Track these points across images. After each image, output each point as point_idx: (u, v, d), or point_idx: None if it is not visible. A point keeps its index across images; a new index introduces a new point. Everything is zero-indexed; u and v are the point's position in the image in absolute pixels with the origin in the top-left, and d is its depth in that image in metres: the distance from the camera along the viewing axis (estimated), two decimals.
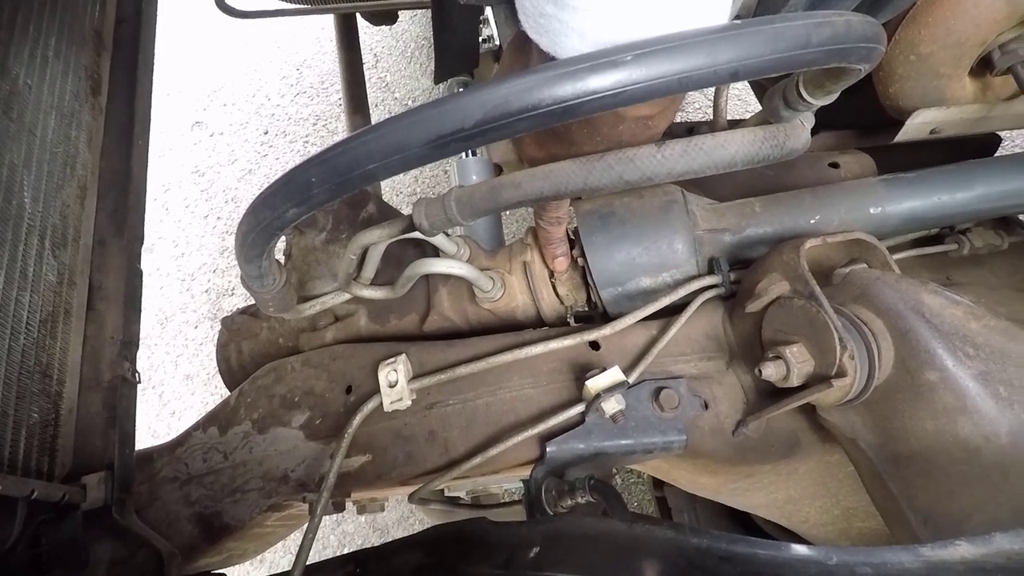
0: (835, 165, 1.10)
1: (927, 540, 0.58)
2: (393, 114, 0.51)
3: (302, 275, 1.00)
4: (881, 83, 1.03)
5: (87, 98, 0.85)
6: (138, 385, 0.88)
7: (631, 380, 0.81)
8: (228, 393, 0.98)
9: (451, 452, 0.83)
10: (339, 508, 0.91)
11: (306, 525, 0.77)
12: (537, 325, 0.99)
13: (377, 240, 0.80)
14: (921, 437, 0.68)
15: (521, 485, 1.17)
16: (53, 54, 0.83)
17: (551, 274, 0.96)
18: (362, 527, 2.25)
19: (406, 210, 0.77)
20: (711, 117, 1.06)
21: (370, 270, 0.92)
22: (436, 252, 0.94)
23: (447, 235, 0.91)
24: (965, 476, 0.65)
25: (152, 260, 2.79)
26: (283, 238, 1.03)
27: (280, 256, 1.04)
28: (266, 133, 3.10)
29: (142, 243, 0.90)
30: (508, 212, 2.77)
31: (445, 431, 0.85)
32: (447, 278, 0.98)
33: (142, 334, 2.60)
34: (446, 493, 1.17)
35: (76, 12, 0.87)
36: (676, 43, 0.46)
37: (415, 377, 0.85)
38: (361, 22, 2.02)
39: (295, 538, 2.18)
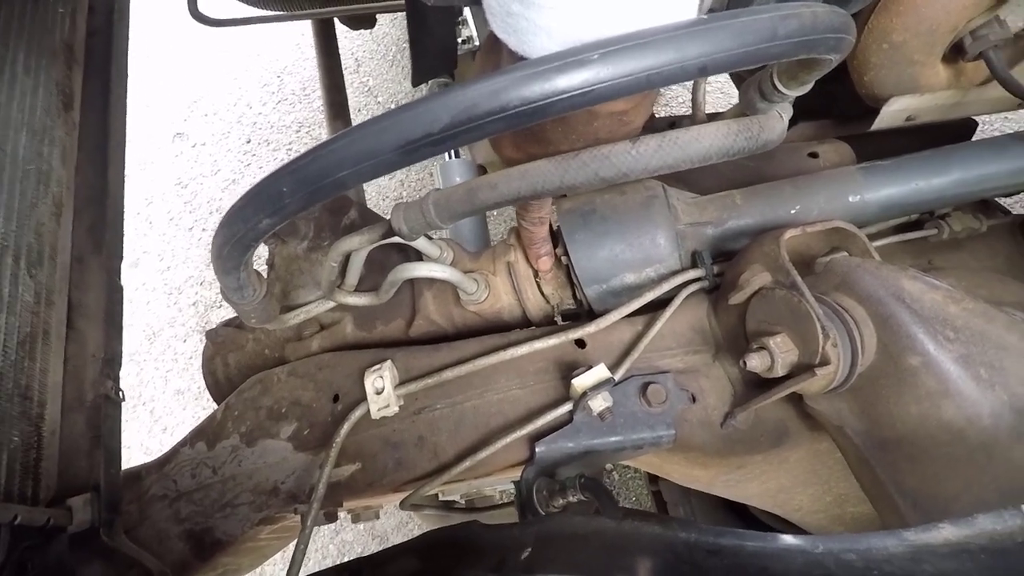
0: (814, 155, 1.11)
1: (916, 523, 0.59)
2: None
3: (285, 284, 1.00)
4: (856, 72, 1.04)
5: (59, 113, 0.84)
6: (125, 402, 0.87)
7: (617, 376, 0.81)
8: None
9: (441, 457, 0.83)
10: (331, 518, 0.91)
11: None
12: (524, 325, 0.99)
13: (357, 247, 0.80)
14: (906, 421, 0.69)
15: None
16: (23, 70, 0.82)
17: (535, 274, 0.96)
18: (361, 535, 2.24)
19: (390, 215, 0.76)
20: None
21: (353, 277, 0.92)
22: (420, 256, 0.94)
23: (430, 238, 0.91)
24: (950, 458, 0.65)
25: (137, 275, 2.77)
26: (265, 247, 1.03)
27: (263, 266, 1.03)
28: (248, 142, 3.09)
29: (121, 258, 0.89)
30: (496, 212, 2.76)
31: (434, 436, 0.84)
32: (432, 282, 0.98)
33: (130, 350, 2.57)
34: (440, 497, 1.16)
35: (46, 26, 0.86)
36: (643, 40, 0.46)
37: (402, 383, 0.84)
38: (341, 27, 2.01)
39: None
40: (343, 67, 1.95)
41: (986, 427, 0.64)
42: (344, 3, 1.75)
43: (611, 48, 0.46)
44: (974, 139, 1.18)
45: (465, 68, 1.76)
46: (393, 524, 2.23)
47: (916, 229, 1.04)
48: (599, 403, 0.77)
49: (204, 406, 2.44)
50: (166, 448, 0.94)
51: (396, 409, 0.82)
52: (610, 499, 0.74)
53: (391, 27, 3.34)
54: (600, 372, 0.79)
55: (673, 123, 1.35)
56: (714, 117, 0.99)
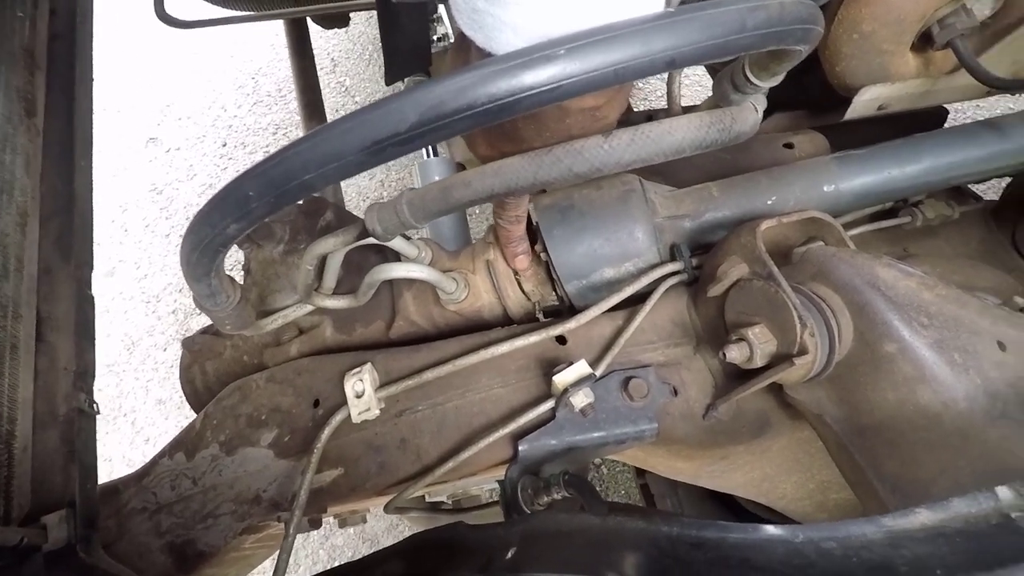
0: (789, 145, 1.11)
1: (895, 507, 0.59)
2: None
3: (262, 289, 0.98)
4: (828, 62, 1.05)
5: (21, 120, 0.82)
6: (104, 415, 0.85)
7: (599, 372, 0.81)
8: None
9: (424, 459, 0.83)
10: (316, 525, 0.90)
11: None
12: (506, 323, 0.99)
13: (332, 249, 0.79)
14: (884, 408, 0.70)
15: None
16: None
17: (515, 271, 0.96)
18: (352, 539, 2.23)
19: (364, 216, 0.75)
20: None
21: (331, 279, 0.91)
22: (398, 257, 0.93)
23: (407, 238, 0.90)
24: (927, 442, 0.66)
25: (114, 284, 2.72)
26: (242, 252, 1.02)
27: (239, 270, 1.02)
28: (224, 145, 3.05)
29: (92, 268, 0.87)
30: (478, 211, 2.76)
31: (416, 438, 0.84)
32: (411, 282, 0.97)
33: (109, 361, 2.53)
34: (427, 499, 1.16)
35: (4, 31, 0.84)
36: (610, 34, 0.46)
37: (382, 385, 0.83)
38: (315, 27, 1.99)
39: (296, 556, 2.16)
40: (319, 67, 1.93)
41: (961, 411, 0.64)
42: (315, 2, 1.73)
43: (577, 43, 0.45)
44: (945, 127, 1.20)
45: (440, 66, 1.75)
46: (383, 527, 2.22)
47: (890, 217, 1.05)
48: (581, 399, 0.77)
49: (187, 415, 2.41)
50: (149, 459, 0.92)
51: (377, 412, 0.82)
52: (594, 495, 0.74)
53: (366, 26, 3.31)
54: (581, 368, 0.79)
55: (650, 116, 1.35)
56: (690, 110, 1.00)
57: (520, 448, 0.80)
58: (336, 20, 1.89)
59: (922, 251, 1.09)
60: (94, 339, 0.85)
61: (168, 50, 3.33)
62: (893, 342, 0.68)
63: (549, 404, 0.81)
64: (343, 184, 2.41)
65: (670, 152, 0.62)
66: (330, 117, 1.87)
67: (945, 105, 1.22)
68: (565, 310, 0.99)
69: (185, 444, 0.90)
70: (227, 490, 0.86)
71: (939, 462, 0.65)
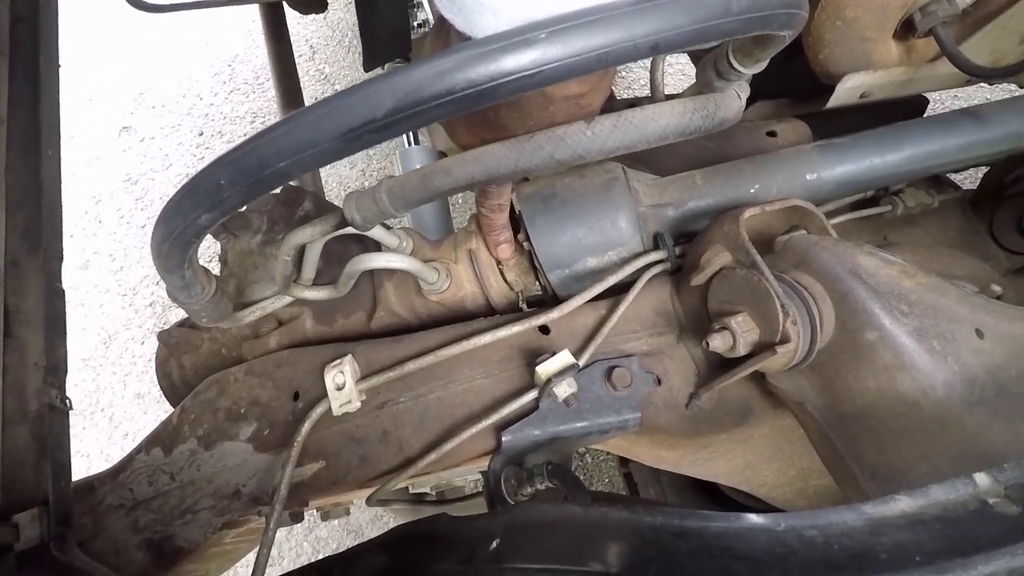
0: (772, 134, 1.12)
1: (875, 494, 0.60)
2: None
3: (240, 280, 0.97)
4: (811, 49, 1.04)
5: None
6: (80, 410, 0.83)
7: (582, 361, 0.81)
8: None
9: (406, 451, 0.82)
10: (297, 519, 0.89)
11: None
12: (489, 313, 0.98)
13: (310, 239, 0.77)
14: (864, 395, 0.70)
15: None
16: None
17: (498, 261, 0.95)
18: (336, 531, 2.22)
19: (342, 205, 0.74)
20: None
21: (310, 270, 0.89)
22: (379, 247, 0.92)
23: (388, 228, 0.89)
24: (907, 429, 0.67)
25: (88, 277, 2.67)
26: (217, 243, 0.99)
27: (217, 263, 1.00)
28: (201, 134, 2.99)
29: (62, 260, 0.85)
30: (461, 199, 2.74)
31: (398, 430, 0.83)
32: (392, 272, 0.96)
33: (85, 355, 2.49)
34: (410, 491, 1.15)
35: None
36: (592, 18, 0.45)
37: (363, 377, 0.82)
38: (292, 13, 1.95)
39: (279, 549, 2.15)
40: (297, 54, 1.90)
41: (939, 398, 0.65)
42: None
43: (559, 26, 0.44)
44: (925, 116, 1.21)
45: (420, 51, 1.73)
46: (368, 518, 2.21)
47: (871, 206, 1.06)
48: (564, 389, 0.77)
49: (166, 409, 2.35)
50: (125, 455, 0.91)
51: (358, 404, 0.81)
52: (578, 485, 0.73)
53: (345, 12, 3.26)
54: (564, 358, 0.78)
55: (633, 104, 1.34)
56: (673, 98, 0.99)
57: (503, 439, 0.80)
58: (313, 5, 1.85)
59: (902, 239, 1.10)
60: (65, 333, 0.83)
61: (140, 36, 3.25)
62: (874, 330, 0.68)
63: (532, 394, 0.80)
64: (323, 173, 2.38)
65: (653, 139, 0.62)
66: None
67: (925, 94, 1.22)
68: (548, 300, 0.98)
69: (162, 439, 0.89)
70: (206, 485, 0.85)
71: (918, 449, 0.66)
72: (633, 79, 2.95)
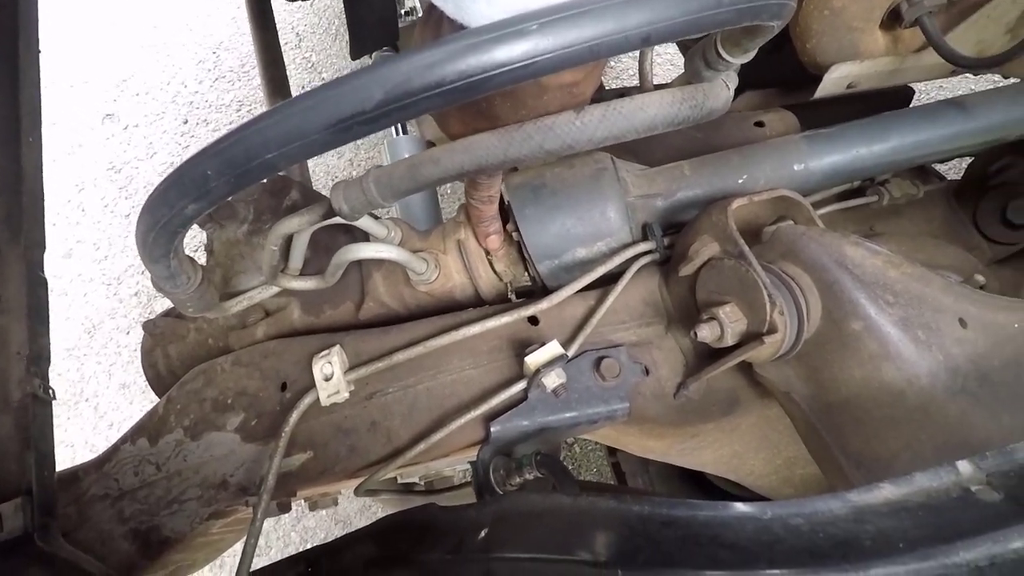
0: (760, 124, 1.12)
1: (860, 483, 0.61)
2: None
3: (226, 270, 0.96)
4: (798, 39, 1.05)
5: None
6: (63, 400, 0.82)
7: (571, 352, 0.81)
8: None
9: (395, 441, 0.82)
10: (285, 509, 0.88)
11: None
12: (478, 304, 0.98)
13: (297, 228, 0.77)
14: (850, 385, 0.71)
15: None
16: None
17: (487, 251, 0.95)
18: (324, 520, 2.22)
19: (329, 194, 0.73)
20: None
21: (297, 260, 0.88)
22: (367, 237, 0.91)
23: (376, 218, 0.88)
24: (891, 419, 0.67)
25: (72, 266, 2.63)
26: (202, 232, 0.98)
27: (200, 251, 0.99)
28: (186, 122, 2.95)
29: (44, 249, 0.83)
30: (450, 190, 2.73)
31: (387, 420, 0.83)
32: (381, 263, 0.95)
33: (69, 345, 2.46)
34: (399, 481, 1.15)
35: None
36: (584, 9, 0.44)
37: (351, 368, 0.82)
38: (278, 0, 1.92)
39: (267, 539, 2.15)
40: (284, 42, 1.87)
41: (924, 387, 0.66)
42: None
43: (551, 17, 0.44)
44: (911, 106, 1.22)
45: (408, 40, 1.71)
46: (356, 508, 2.21)
47: (858, 196, 1.07)
48: (553, 380, 0.77)
49: (152, 399, 2.34)
50: (110, 445, 0.90)
51: (346, 395, 0.80)
52: (566, 475, 0.74)
53: None
54: (553, 348, 0.79)
55: (623, 94, 1.34)
56: (662, 88, 0.99)
57: (492, 429, 0.80)
58: None
59: (888, 230, 1.11)
60: (48, 322, 0.82)
61: (123, 22, 3.20)
62: (859, 320, 0.69)
63: (521, 385, 0.80)
64: (310, 163, 2.36)
65: (642, 129, 0.62)
66: (296, 93, 1.82)
67: (912, 85, 1.23)
68: (537, 290, 0.98)
69: (148, 429, 0.88)
70: (192, 475, 0.84)
71: (902, 438, 0.67)
72: (622, 69, 2.95)
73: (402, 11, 2.07)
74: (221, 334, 0.98)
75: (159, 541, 0.82)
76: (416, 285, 0.93)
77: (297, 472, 0.82)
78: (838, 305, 0.71)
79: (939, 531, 0.44)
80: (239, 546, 0.81)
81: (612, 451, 1.67)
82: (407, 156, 0.64)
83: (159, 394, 0.99)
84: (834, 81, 1.04)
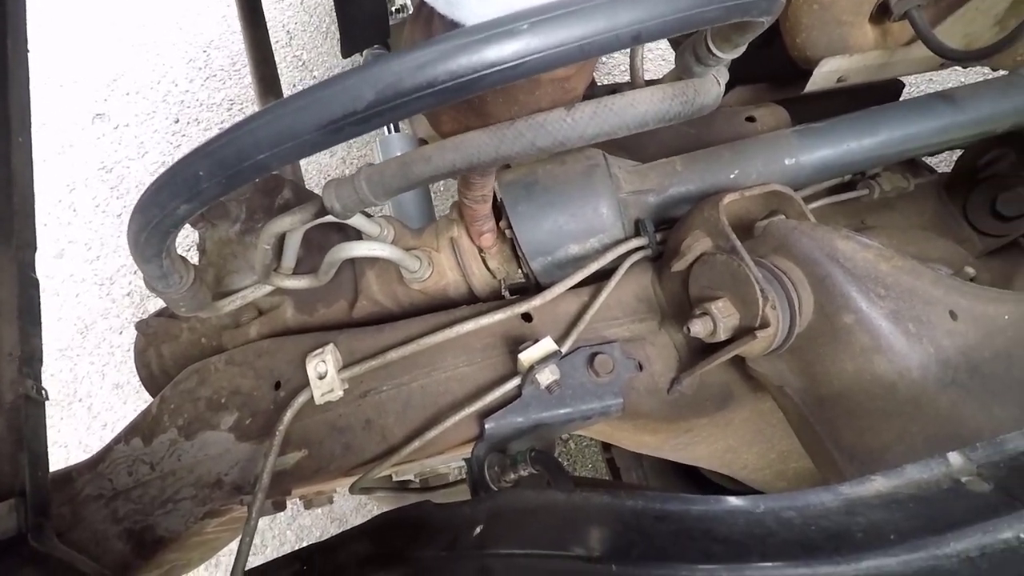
0: (751, 119, 1.12)
1: (852, 475, 0.61)
2: None
3: (219, 270, 0.95)
4: (788, 34, 1.05)
5: None
6: (58, 401, 0.82)
7: (564, 348, 0.81)
8: None
9: (389, 439, 0.82)
10: (280, 507, 0.89)
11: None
12: (471, 301, 0.98)
13: (290, 227, 0.77)
14: (842, 378, 0.71)
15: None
16: None
17: (480, 249, 0.95)
18: (320, 519, 2.22)
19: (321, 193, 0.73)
20: None
21: (290, 259, 0.88)
22: (360, 235, 0.91)
23: (369, 216, 0.88)
24: (883, 411, 0.68)
25: (63, 266, 2.62)
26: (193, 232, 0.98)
27: (192, 251, 0.98)
28: (177, 122, 2.94)
29: (35, 249, 0.83)
30: (443, 187, 2.72)
31: (381, 418, 0.83)
32: (374, 261, 0.95)
33: (61, 346, 2.45)
34: (394, 478, 1.15)
35: None
36: (574, 8, 0.44)
37: (345, 366, 0.82)
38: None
39: (263, 538, 2.14)
40: (274, 40, 1.87)
41: (915, 379, 0.66)
42: None
43: (542, 16, 0.44)
44: (901, 99, 1.22)
45: (399, 37, 1.71)
46: (352, 506, 2.21)
47: (849, 190, 1.07)
48: (547, 376, 0.77)
49: (145, 399, 2.33)
50: (104, 445, 0.90)
51: (341, 393, 0.80)
52: (560, 471, 0.74)
53: None
54: (547, 345, 0.79)
55: (614, 91, 1.33)
56: (654, 84, 0.99)
57: (486, 426, 0.80)
58: None
59: (879, 223, 1.11)
60: (40, 323, 0.81)
61: (112, 21, 3.17)
62: (851, 313, 0.69)
63: (515, 382, 0.81)
64: (302, 161, 2.35)
65: (633, 125, 0.62)
66: (287, 92, 1.82)
67: (901, 78, 1.23)
68: (531, 287, 0.98)
69: (141, 429, 0.88)
70: (187, 475, 0.84)
71: (894, 430, 0.67)
72: (613, 65, 2.95)
73: (393, 8, 2.06)
74: (214, 333, 0.98)
75: (153, 541, 0.82)
76: (409, 283, 0.93)
77: (292, 471, 0.82)
78: (830, 299, 0.71)
79: (930, 522, 0.44)
80: (234, 545, 0.81)
81: (607, 447, 1.68)
82: (399, 154, 0.64)
83: (153, 394, 0.99)
84: (824, 75, 1.05)
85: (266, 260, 0.84)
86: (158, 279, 0.66)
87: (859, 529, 0.45)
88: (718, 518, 0.48)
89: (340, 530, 0.72)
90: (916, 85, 2.52)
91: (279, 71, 1.76)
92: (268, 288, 0.93)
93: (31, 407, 0.76)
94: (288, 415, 0.79)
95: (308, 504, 1.06)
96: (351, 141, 2.85)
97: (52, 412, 2.26)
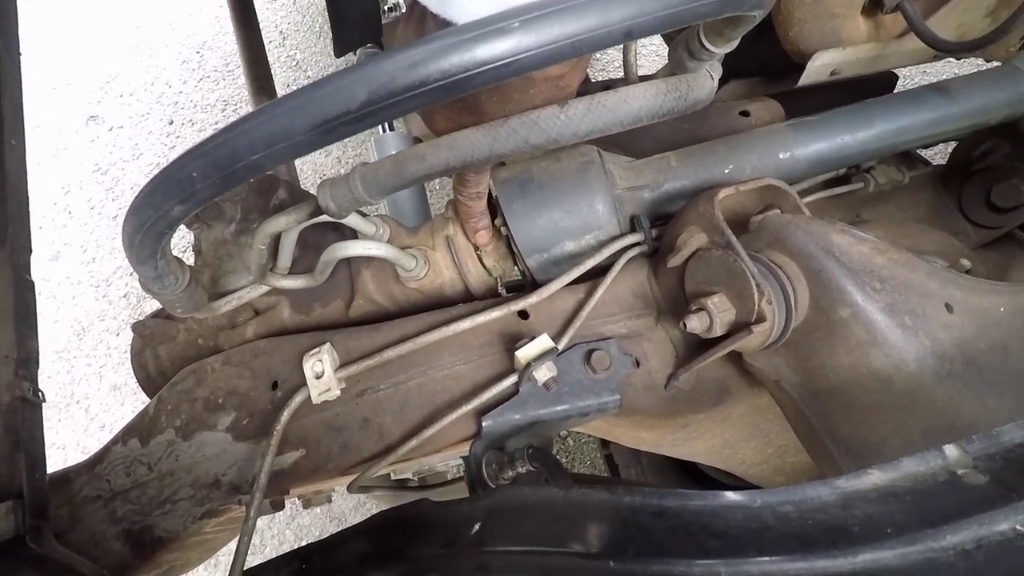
0: (745, 113, 1.12)
1: (849, 469, 0.61)
2: None
3: (214, 270, 0.95)
4: (781, 28, 1.05)
5: None
6: (55, 403, 0.81)
7: (561, 345, 0.81)
8: None
9: (387, 437, 0.82)
10: (278, 507, 0.89)
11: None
12: (468, 299, 0.98)
13: (285, 227, 0.76)
14: (838, 372, 0.71)
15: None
16: None
17: (476, 247, 0.95)
18: (319, 518, 2.22)
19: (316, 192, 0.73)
20: None
21: (286, 259, 0.88)
22: (355, 234, 0.91)
23: (364, 215, 0.88)
24: (879, 404, 0.68)
25: (59, 268, 2.61)
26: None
27: (188, 252, 0.98)
28: (171, 123, 2.93)
29: (30, 252, 0.83)
30: (438, 186, 2.72)
31: (378, 417, 0.83)
32: (370, 260, 0.95)
33: (58, 348, 2.45)
34: (392, 477, 1.15)
35: None
36: (566, 5, 0.44)
37: (342, 365, 0.82)
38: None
39: (262, 537, 2.15)
40: (268, 40, 1.86)
41: (911, 372, 0.66)
42: None
43: (534, 14, 0.44)
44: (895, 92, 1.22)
45: (391, 36, 1.70)
46: (350, 505, 2.22)
47: (843, 183, 1.07)
48: (544, 373, 0.77)
49: (143, 400, 2.33)
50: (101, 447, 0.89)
51: (338, 392, 0.80)
52: (558, 468, 0.74)
53: None
54: (543, 342, 0.79)
55: (608, 87, 1.33)
56: (647, 79, 0.99)
57: (484, 424, 0.80)
58: None
59: (874, 216, 1.11)
60: (36, 325, 0.81)
61: (105, 22, 3.16)
62: (847, 307, 0.69)
63: (512, 379, 0.81)
64: (297, 161, 2.35)
65: (627, 121, 0.62)
66: (281, 92, 1.81)
67: (895, 71, 1.23)
68: (527, 284, 0.98)
69: (139, 430, 0.88)
70: (184, 475, 0.84)
71: (890, 423, 0.67)
72: (607, 61, 2.94)
73: (385, 7, 2.06)
74: (211, 334, 0.98)
75: (152, 541, 0.82)
76: (406, 282, 0.93)
77: (289, 470, 0.82)
78: (826, 293, 0.71)
79: (926, 515, 0.44)
80: (233, 544, 0.81)
81: (605, 443, 1.68)
82: (393, 153, 0.64)
83: (150, 395, 0.98)
84: (817, 68, 1.05)
85: (262, 260, 0.84)
86: (154, 280, 0.66)
87: (856, 523, 0.45)
88: (715, 513, 0.48)
89: (339, 529, 0.72)
90: (910, 77, 2.52)
91: (272, 71, 1.75)
92: (264, 288, 0.93)
93: (28, 409, 0.76)
94: (285, 415, 0.79)
95: (307, 503, 1.06)
96: (345, 140, 2.85)
97: (49, 414, 2.26)
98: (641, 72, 0.97)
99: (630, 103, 0.61)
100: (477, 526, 0.62)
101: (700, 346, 0.83)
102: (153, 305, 2.54)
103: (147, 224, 0.53)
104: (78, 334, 2.51)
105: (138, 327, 1.00)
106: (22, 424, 0.74)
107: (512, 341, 0.83)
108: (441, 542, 0.64)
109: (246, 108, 2.93)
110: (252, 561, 0.70)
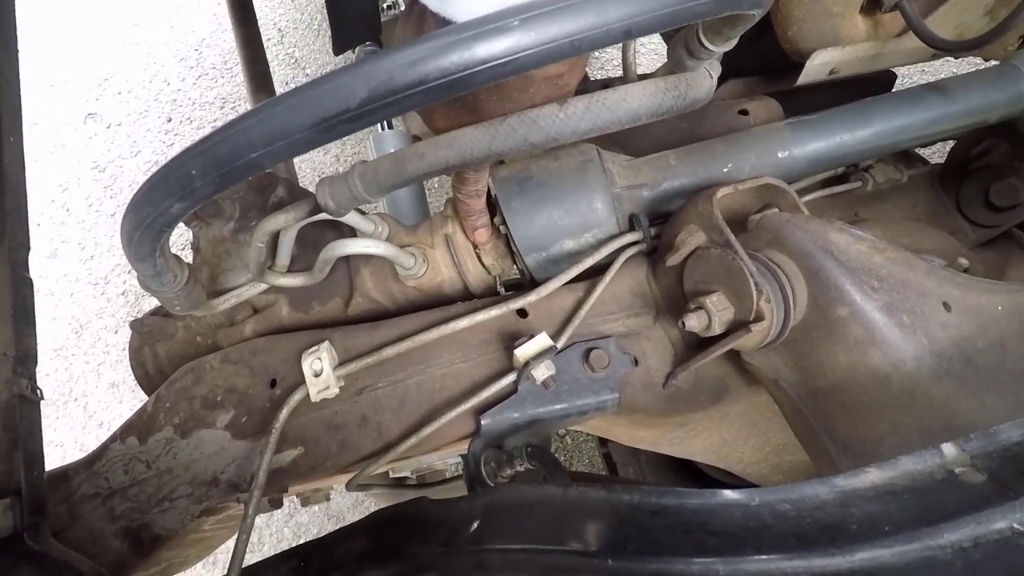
0: (744, 112, 1.12)
1: (847, 468, 0.61)
2: None
3: (213, 268, 0.95)
4: (780, 26, 1.05)
5: None
6: (54, 400, 0.81)
7: (560, 344, 0.81)
8: None
9: (385, 436, 0.82)
10: (276, 505, 0.88)
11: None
12: (466, 298, 0.98)
13: (284, 225, 0.76)
14: (836, 371, 0.71)
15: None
16: None
17: (475, 245, 0.95)
18: (317, 516, 2.22)
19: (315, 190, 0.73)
20: None
21: (284, 257, 0.88)
22: (354, 232, 0.91)
23: (363, 213, 0.88)
24: (877, 403, 0.68)
25: (57, 266, 2.61)
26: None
27: (186, 250, 0.98)
28: (169, 120, 2.92)
29: (28, 249, 0.83)
30: (437, 184, 2.72)
31: (377, 415, 0.83)
32: (369, 258, 0.95)
33: (56, 345, 2.44)
34: (391, 475, 1.15)
35: None
36: (565, 4, 0.44)
37: (341, 363, 0.82)
38: None
39: (260, 535, 2.15)
40: (266, 38, 1.86)
41: (909, 371, 0.67)
42: None
43: (533, 13, 0.44)
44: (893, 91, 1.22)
45: (390, 34, 1.70)
46: (348, 503, 2.22)
47: (842, 182, 1.07)
48: (542, 372, 0.77)
49: (141, 398, 2.32)
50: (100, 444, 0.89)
51: (336, 391, 0.80)
52: (557, 466, 0.74)
53: None
54: (542, 341, 0.79)
55: (607, 85, 1.33)
56: (646, 78, 0.99)
57: (482, 422, 0.80)
58: None
59: (872, 215, 1.11)
60: (34, 323, 0.81)
61: (103, 20, 3.15)
62: (845, 306, 0.69)
63: (511, 377, 0.81)
64: (296, 159, 2.35)
65: (626, 119, 0.62)
66: (280, 90, 1.81)
67: (894, 70, 1.24)
68: (526, 283, 0.98)
69: (137, 428, 0.88)
70: (183, 473, 0.84)
71: (888, 422, 0.67)
72: (606, 59, 2.94)
73: (384, 5, 2.06)
74: (209, 332, 0.98)
75: (150, 539, 0.82)
76: (404, 280, 0.93)
77: (288, 468, 0.82)
78: (824, 291, 0.71)
79: (924, 514, 0.45)
80: (231, 542, 0.81)
81: (603, 442, 1.68)
82: (392, 151, 0.64)
83: (148, 393, 0.98)
84: (816, 67, 1.05)
85: (260, 258, 0.84)
86: (152, 278, 0.66)
87: (854, 521, 0.45)
88: (714, 512, 0.48)
89: (337, 527, 0.72)
90: (908, 76, 2.52)
91: (271, 69, 1.75)
92: (263, 286, 0.93)
93: (26, 407, 0.76)
94: (284, 413, 0.79)
95: (305, 501, 1.06)
96: (344, 138, 2.84)
97: (48, 412, 2.25)
98: (640, 71, 0.97)
99: (629, 102, 0.61)
100: (475, 524, 0.62)
101: (699, 345, 0.83)
102: (151, 303, 2.53)
103: (146, 222, 0.53)
104: (76, 332, 2.50)
105: (136, 325, 1.00)
106: (20, 421, 0.74)
107: (511, 339, 0.83)
108: (439, 540, 0.64)
109: (245, 106, 2.92)
110: (250, 559, 0.70)
